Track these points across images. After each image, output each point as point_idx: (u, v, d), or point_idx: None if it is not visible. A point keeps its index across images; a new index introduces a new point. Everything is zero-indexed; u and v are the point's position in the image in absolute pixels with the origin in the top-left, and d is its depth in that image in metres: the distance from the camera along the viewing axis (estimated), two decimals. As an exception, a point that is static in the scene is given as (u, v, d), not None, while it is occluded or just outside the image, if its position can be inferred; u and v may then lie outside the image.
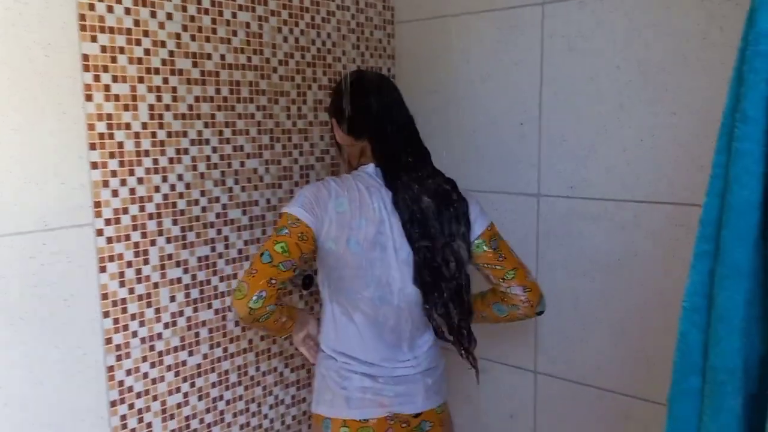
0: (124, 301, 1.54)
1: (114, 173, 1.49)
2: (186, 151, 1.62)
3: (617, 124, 1.72)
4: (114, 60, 1.47)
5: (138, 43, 1.51)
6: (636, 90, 1.68)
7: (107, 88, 1.46)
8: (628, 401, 1.79)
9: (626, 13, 1.67)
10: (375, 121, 1.56)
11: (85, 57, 1.42)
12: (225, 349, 1.77)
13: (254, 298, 1.39)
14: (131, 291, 1.55)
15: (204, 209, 1.68)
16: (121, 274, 1.53)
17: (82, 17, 1.41)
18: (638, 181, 1.70)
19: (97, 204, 1.47)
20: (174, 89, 1.58)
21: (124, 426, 1.57)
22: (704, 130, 1.58)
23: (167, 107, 1.57)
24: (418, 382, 1.59)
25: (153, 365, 1.61)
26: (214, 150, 1.68)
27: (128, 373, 1.57)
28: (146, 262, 1.57)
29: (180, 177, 1.62)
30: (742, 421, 0.85)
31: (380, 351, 1.57)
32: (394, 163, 1.54)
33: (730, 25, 1.53)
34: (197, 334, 1.70)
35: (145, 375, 1.60)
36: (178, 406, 1.68)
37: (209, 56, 1.65)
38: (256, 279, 1.40)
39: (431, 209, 1.52)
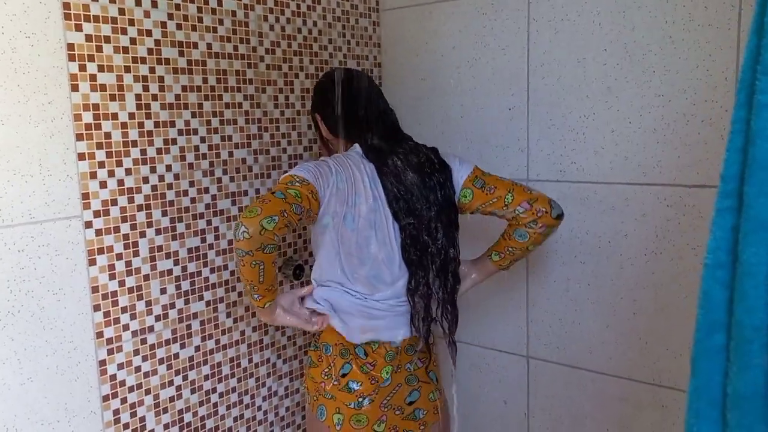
0: (114, 294, 1.52)
1: (102, 164, 1.47)
2: (174, 141, 1.61)
3: (605, 106, 1.72)
4: (99, 49, 1.45)
5: (123, 32, 1.49)
6: (623, 72, 1.69)
7: (93, 77, 1.44)
8: (621, 383, 1.80)
9: (612, -4, 1.68)
10: (360, 127, 1.59)
11: (71, 46, 1.40)
12: (217, 341, 1.75)
13: (267, 219, 1.31)
14: (121, 284, 1.53)
15: (193, 200, 1.66)
16: (111, 267, 1.51)
17: (67, 6, 1.39)
18: (627, 163, 1.71)
19: (85, 196, 1.45)
20: (161, 79, 1.56)
21: (117, 420, 1.55)
22: (691, 110, 1.60)
23: (154, 97, 1.56)
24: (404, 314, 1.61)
25: (145, 358, 1.60)
26: (203, 140, 1.66)
27: (120, 366, 1.55)
28: (136, 254, 1.55)
29: (168, 167, 1.60)
30: None
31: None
32: (379, 150, 1.58)
33: (714, 6, 1.54)
34: (189, 327, 1.68)
35: (138, 368, 1.58)
36: (171, 399, 1.66)
37: (195, 45, 1.63)
38: (270, 205, 1.33)
39: (416, 184, 1.55)
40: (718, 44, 1.55)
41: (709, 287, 0.89)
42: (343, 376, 1.56)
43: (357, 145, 1.58)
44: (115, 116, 1.49)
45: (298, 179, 1.42)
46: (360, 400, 1.55)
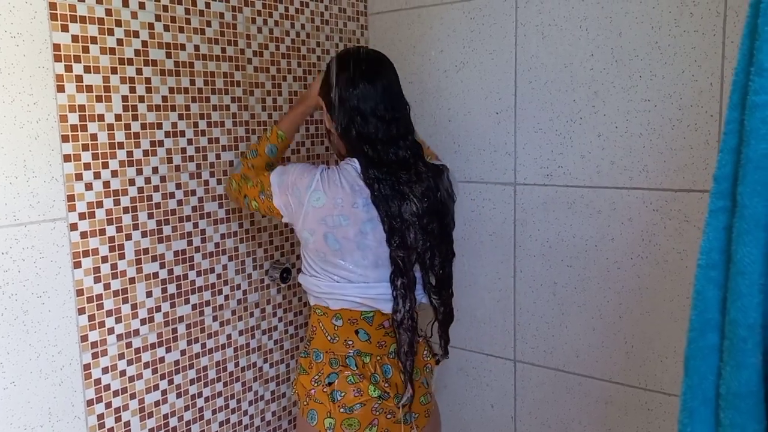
0: (99, 297, 1.51)
1: (87, 166, 1.46)
2: (161, 144, 1.59)
3: (592, 110, 1.73)
4: (86, 50, 1.44)
5: (110, 32, 1.48)
6: (610, 77, 1.70)
7: (79, 78, 1.43)
8: (607, 386, 1.81)
9: (598, 2, 1.69)
10: (363, 138, 1.50)
11: (57, 47, 1.39)
12: (203, 345, 1.74)
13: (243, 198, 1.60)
14: (107, 287, 1.52)
15: (180, 202, 1.65)
16: (96, 270, 1.50)
17: (53, 6, 1.37)
18: (613, 167, 1.72)
19: (71, 198, 1.44)
20: (148, 80, 1.55)
21: (102, 425, 1.53)
22: (677, 115, 1.61)
23: (141, 98, 1.54)
24: None
25: (130, 362, 1.58)
26: (190, 142, 1.65)
27: (105, 371, 1.53)
28: (122, 256, 1.54)
29: (155, 170, 1.59)
30: (763, 377, 0.86)
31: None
32: (380, 165, 1.49)
33: (700, 12, 1.55)
34: (175, 330, 1.67)
35: (123, 373, 1.57)
36: (156, 404, 1.65)
37: (183, 47, 1.62)
38: (240, 194, 1.60)
39: (414, 217, 1.51)
40: (703, 50, 1.56)
41: (703, 287, 0.90)
42: (329, 384, 1.55)
43: (356, 161, 1.51)
44: (101, 118, 1.47)
45: (266, 194, 1.54)
46: (350, 405, 1.54)
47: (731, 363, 0.86)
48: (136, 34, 1.53)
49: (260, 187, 1.56)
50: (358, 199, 1.48)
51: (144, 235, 1.58)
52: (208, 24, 1.67)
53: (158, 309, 1.62)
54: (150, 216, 1.59)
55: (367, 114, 1.49)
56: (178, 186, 1.64)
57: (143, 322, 1.60)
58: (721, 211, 0.88)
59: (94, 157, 1.47)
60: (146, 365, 1.61)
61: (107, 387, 1.54)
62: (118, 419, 1.56)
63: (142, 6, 1.53)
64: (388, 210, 1.48)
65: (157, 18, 1.57)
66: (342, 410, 1.53)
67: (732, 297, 0.86)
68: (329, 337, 1.58)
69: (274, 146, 1.65)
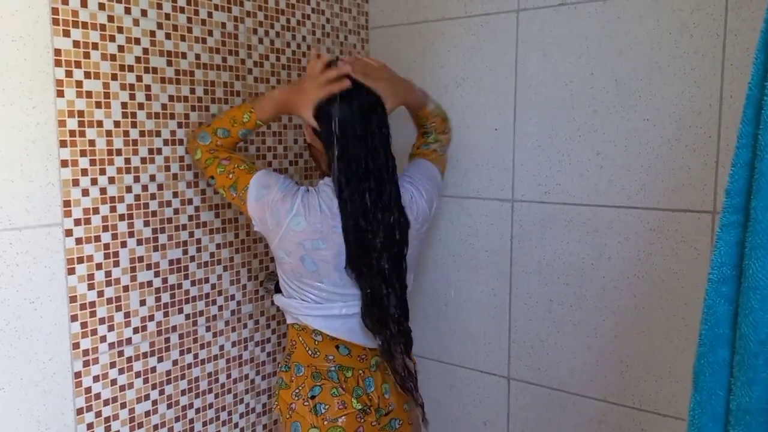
0: (92, 304, 1.49)
1: (84, 172, 1.45)
2: (159, 151, 1.59)
3: (591, 129, 1.74)
4: (87, 56, 1.43)
5: (112, 39, 1.47)
6: (609, 96, 1.70)
7: (79, 84, 1.42)
8: (602, 406, 1.80)
9: (599, 21, 1.70)
10: (338, 131, 1.46)
11: (58, 52, 1.38)
12: (195, 356, 1.72)
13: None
14: (100, 294, 1.50)
15: (176, 211, 1.64)
16: (90, 277, 1.48)
17: (55, 11, 1.37)
18: (611, 186, 1.72)
19: (67, 203, 1.43)
20: (148, 87, 1.55)
21: (91, 434, 1.51)
22: (676, 135, 1.61)
23: (140, 105, 1.54)
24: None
25: (122, 371, 1.56)
26: (188, 151, 1.65)
27: (96, 379, 1.51)
28: (116, 264, 1.53)
29: (152, 177, 1.58)
30: None
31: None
32: (352, 188, 1.46)
33: (701, 33, 1.56)
34: (167, 340, 1.65)
35: (114, 381, 1.55)
36: (147, 414, 1.63)
37: (184, 55, 1.62)
38: (208, 169, 1.55)
39: (381, 244, 1.49)
40: (703, 71, 1.57)
41: (714, 302, 0.89)
42: (312, 397, 1.54)
43: (330, 180, 1.49)
44: (100, 124, 1.47)
45: (239, 194, 1.51)
46: (334, 417, 1.53)
47: (742, 379, 0.85)
48: (137, 41, 1.52)
49: (233, 182, 1.51)
50: (337, 222, 1.47)
51: (139, 243, 1.57)
52: (210, 33, 1.67)
53: (151, 318, 1.61)
54: (146, 224, 1.58)
55: (345, 130, 1.48)
56: (175, 194, 1.63)
57: (136, 330, 1.58)
58: (734, 225, 0.87)
59: (92, 163, 1.46)
60: (138, 374, 1.59)
61: (98, 396, 1.52)
62: (107, 429, 1.54)
63: (144, 13, 1.53)
64: (357, 235, 1.48)
65: (159, 26, 1.56)
66: (326, 422, 1.52)
67: (743, 312, 0.85)
68: (310, 352, 1.57)
69: (249, 132, 1.57)
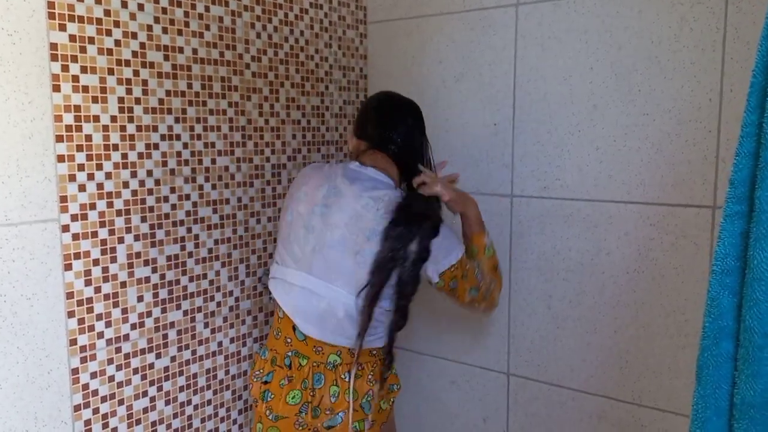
0: (89, 300, 1.48)
1: (81, 167, 1.44)
2: (156, 146, 1.58)
3: (590, 124, 1.73)
4: (83, 50, 1.42)
5: (108, 33, 1.46)
6: (609, 91, 1.69)
7: (76, 78, 1.41)
8: (601, 402, 1.80)
9: (599, 16, 1.69)
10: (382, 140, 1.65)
11: (54, 46, 1.37)
12: (194, 352, 1.71)
13: None
14: (97, 290, 1.49)
15: (174, 207, 1.63)
16: (87, 273, 1.47)
17: (51, 5, 1.36)
18: (611, 181, 1.72)
19: (63, 199, 1.42)
20: (144, 82, 1.54)
21: (89, 431, 1.50)
22: (676, 129, 1.61)
23: (137, 100, 1.53)
24: None
25: (119, 368, 1.55)
26: (185, 146, 1.64)
27: (93, 376, 1.50)
28: (113, 260, 1.52)
29: (149, 173, 1.57)
30: None
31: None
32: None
33: (700, 27, 1.56)
34: (165, 336, 1.64)
35: (111, 378, 1.54)
36: (145, 410, 1.62)
37: (181, 50, 1.61)
38: None
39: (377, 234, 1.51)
40: (702, 66, 1.56)
41: (717, 294, 0.88)
42: (265, 383, 1.60)
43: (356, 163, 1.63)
44: (96, 119, 1.46)
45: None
46: (275, 413, 1.57)
47: (746, 372, 0.84)
48: (134, 36, 1.51)
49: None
50: (325, 184, 1.56)
51: (137, 238, 1.56)
52: (207, 27, 1.66)
53: (149, 314, 1.60)
54: (143, 219, 1.57)
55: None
56: (173, 190, 1.62)
57: (133, 327, 1.57)
58: (738, 215, 0.86)
59: (89, 158, 1.45)
60: (135, 371, 1.59)
61: (95, 392, 1.51)
62: (105, 425, 1.54)
63: (141, 7, 1.52)
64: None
65: (156, 20, 1.55)
66: (269, 415, 1.57)
67: (748, 304, 0.83)
68: (275, 332, 1.63)
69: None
